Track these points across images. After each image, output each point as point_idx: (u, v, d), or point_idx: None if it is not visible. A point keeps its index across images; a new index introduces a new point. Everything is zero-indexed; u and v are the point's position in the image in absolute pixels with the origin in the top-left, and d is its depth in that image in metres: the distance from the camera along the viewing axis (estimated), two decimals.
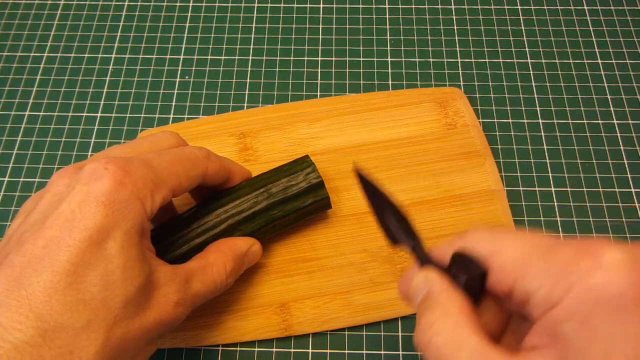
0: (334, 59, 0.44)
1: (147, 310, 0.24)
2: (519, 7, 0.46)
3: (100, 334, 0.22)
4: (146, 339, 0.24)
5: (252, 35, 0.45)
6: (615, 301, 0.17)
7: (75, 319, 0.21)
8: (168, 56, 0.44)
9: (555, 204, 0.38)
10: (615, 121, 0.41)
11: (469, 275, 0.21)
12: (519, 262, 0.20)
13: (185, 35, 0.45)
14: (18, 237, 0.23)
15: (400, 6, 0.47)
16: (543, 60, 0.44)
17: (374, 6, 0.47)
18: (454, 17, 0.46)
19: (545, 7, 0.46)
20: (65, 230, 0.22)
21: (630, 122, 0.41)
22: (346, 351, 0.33)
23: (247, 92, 0.43)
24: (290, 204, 0.32)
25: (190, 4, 0.47)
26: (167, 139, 0.30)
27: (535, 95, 0.42)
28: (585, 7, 0.46)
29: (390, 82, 0.43)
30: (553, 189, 0.38)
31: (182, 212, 0.32)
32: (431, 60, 0.44)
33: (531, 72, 0.43)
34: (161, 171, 0.26)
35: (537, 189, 0.38)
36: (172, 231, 0.30)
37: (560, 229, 0.37)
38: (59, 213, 0.23)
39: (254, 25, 0.46)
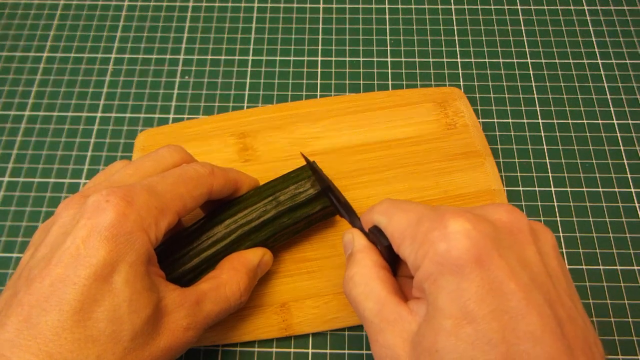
0: (334, 59, 0.44)
1: (157, 338, 0.24)
2: (519, 7, 0.46)
3: None
4: None
5: (252, 35, 0.45)
6: (453, 263, 0.21)
7: (85, 355, 0.22)
8: (168, 56, 0.44)
9: (555, 204, 0.38)
10: (615, 121, 0.41)
11: (381, 245, 0.26)
12: (400, 232, 0.24)
13: (185, 35, 0.45)
14: (27, 274, 0.23)
15: (400, 6, 0.47)
16: (543, 60, 0.44)
17: (374, 6, 0.47)
18: (454, 17, 0.46)
19: (545, 7, 0.46)
20: (70, 267, 0.22)
21: (630, 122, 0.41)
22: (346, 351, 0.33)
23: (247, 92, 0.43)
24: (299, 212, 0.32)
25: (190, 4, 0.47)
26: (171, 156, 0.29)
27: (535, 95, 0.42)
28: (585, 7, 0.46)
29: (390, 82, 0.43)
30: (553, 189, 0.38)
31: (190, 224, 0.31)
32: (431, 60, 0.44)
33: (531, 72, 0.43)
34: (164, 195, 0.26)
35: (537, 189, 0.38)
36: (181, 244, 0.30)
37: (560, 229, 0.37)
38: (64, 249, 0.23)
39: (254, 25, 0.46)
